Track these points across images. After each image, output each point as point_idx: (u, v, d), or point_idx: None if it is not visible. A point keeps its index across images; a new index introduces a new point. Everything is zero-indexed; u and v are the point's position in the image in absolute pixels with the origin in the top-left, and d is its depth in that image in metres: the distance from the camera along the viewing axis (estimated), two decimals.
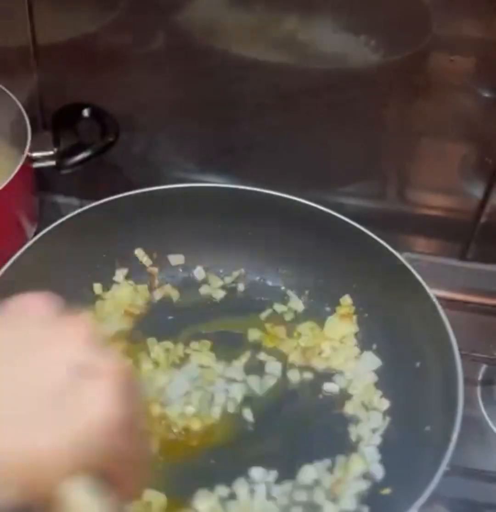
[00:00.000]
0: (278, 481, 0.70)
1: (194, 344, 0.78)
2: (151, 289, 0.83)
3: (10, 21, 0.85)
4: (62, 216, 0.77)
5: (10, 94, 0.85)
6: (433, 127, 0.86)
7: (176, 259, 0.84)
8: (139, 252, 0.83)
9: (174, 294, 0.83)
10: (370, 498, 0.69)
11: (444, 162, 0.89)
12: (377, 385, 0.77)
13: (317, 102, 0.86)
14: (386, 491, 0.68)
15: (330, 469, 0.71)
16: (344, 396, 0.77)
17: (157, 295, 0.83)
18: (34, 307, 0.49)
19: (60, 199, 0.96)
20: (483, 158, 0.87)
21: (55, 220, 0.76)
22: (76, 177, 0.86)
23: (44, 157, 0.84)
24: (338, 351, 0.79)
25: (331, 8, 0.80)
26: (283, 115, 0.87)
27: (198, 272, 0.85)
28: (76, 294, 0.80)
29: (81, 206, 0.78)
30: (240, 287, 0.84)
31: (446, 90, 0.82)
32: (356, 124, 0.87)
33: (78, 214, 0.78)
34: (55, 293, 0.76)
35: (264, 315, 0.82)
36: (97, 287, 0.81)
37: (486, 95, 0.82)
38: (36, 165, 0.84)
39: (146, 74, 0.88)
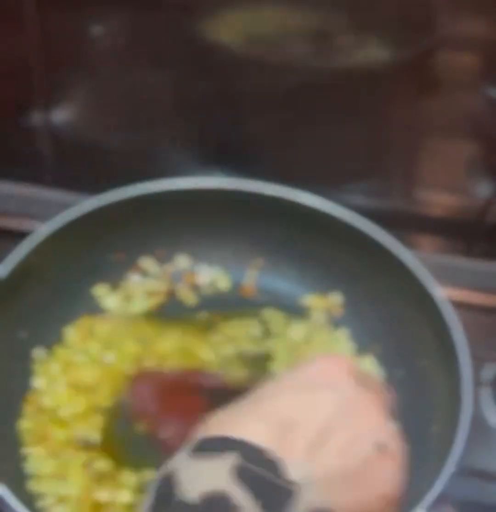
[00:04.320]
0: None
1: None
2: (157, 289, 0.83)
3: None
4: (61, 214, 0.77)
5: None
6: (439, 125, 0.86)
7: (181, 258, 0.84)
8: (145, 260, 0.83)
9: (182, 294, 0.83)
10: None
11: (451, 160, 0.89)
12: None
13: (321, 100, 0.85)
14: None
15: None
16: None
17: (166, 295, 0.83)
18: (332, 372, 0.50)
19: (60, 197, 0.96)
20: (490, 157, 0.87)
21: (54, 219, 0.76)
22: (77, 174, 0.86)
23: None
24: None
25: (335, 6, 0.80)
26: (287, 112, 0.87)
27: (202, 271, 0.85)
28: (78, 296, 0.80)
29: (79, 204, 0.78)
30: (242, 285, 0.84)
31: (453, 88, 0.82)
32: (361, 122, 0.87)
33: (79, 214, 0.77)
34: (55, 293, 0.77)
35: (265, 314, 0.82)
36: (99, 289, 0.81)
37: (494, 93, 0.82)
38: None
39: (148, 72, 0.88)
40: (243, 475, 0.42)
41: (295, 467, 0.43)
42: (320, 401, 0.47)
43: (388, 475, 0.47)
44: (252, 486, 0.41)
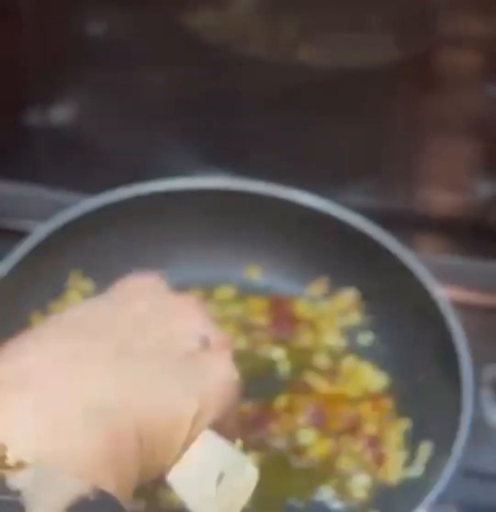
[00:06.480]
0: None
1: None
2: None
3: None
4: (59, 214, 0.76)
5: None
6: (441, 124, 0.86)
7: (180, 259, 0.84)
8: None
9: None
10: (378, 497, 0.68)
11: (453, 160, 0.89)
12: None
13: (322, 99, 0.85)
14: None
15: None
16: None
17: None
18: (145, 286, 0.50)
19: (59, 197, 0.95)
20: (493, 156, 0.87)
21: (52, 219, 0.76)
22: (76, 174, 0.86)
23: None
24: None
25: (336, 6, 0.80)
26: (287, 112, 0.87)
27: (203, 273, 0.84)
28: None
29: (78, 203, 0.77)
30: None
31: (456, 87, 0.82)
32: (362, 122, 0.87)
33: (78, 214, 0.76)
34: (53, 295, 0.77)
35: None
36: None
37: None
38: None
39: (147, 71, 0.88)
40: None
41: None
42: (128, 308, 0.46)
43: (218, 367, 0.46)
44: None
